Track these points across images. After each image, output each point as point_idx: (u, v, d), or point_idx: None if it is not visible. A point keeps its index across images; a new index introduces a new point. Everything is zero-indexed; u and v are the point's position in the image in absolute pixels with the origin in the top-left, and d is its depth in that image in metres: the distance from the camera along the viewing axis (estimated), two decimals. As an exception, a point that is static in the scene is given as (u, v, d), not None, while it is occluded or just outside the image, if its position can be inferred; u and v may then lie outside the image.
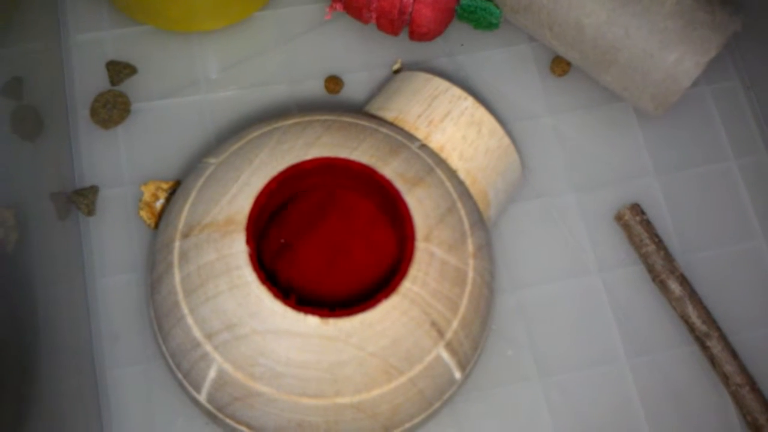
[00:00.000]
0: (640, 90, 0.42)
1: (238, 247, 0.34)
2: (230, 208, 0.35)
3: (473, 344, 0.36)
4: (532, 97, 0.45)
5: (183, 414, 0.39)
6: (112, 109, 0.44)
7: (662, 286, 0.42)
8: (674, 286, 0.41)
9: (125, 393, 0.40)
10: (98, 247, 0.42)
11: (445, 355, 0.34)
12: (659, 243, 0.42)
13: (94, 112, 0.44)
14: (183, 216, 0.36)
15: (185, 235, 0.35)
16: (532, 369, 0.41)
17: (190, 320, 0.34)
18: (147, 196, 0.42)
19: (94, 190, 0.43)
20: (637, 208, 0.43)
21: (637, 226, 0.42)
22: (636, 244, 0.42)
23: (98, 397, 0.39)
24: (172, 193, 0.42)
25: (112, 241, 0.42)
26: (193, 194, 0.36)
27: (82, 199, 0.42)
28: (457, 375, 0.36)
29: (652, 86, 0.41)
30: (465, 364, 0.36)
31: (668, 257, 0.42)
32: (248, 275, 0.33)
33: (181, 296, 0.34)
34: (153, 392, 0.40)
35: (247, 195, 0.35)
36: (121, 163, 0.43)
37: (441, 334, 0.34)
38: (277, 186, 0.35)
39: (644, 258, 0.42)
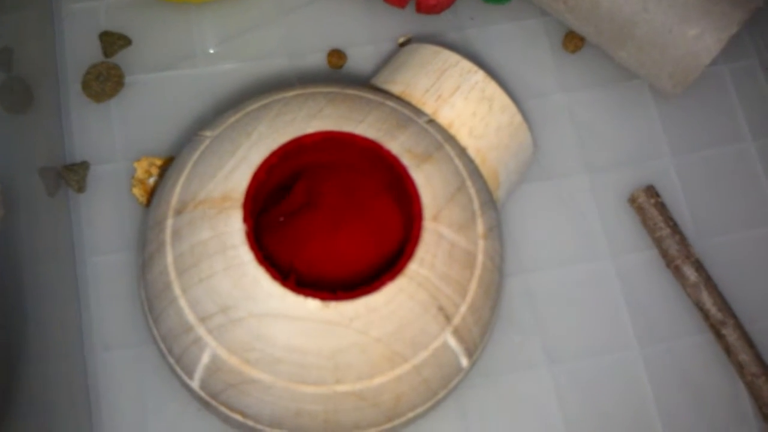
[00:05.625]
0: (657, 67, 0.41)
1: (235, 225, 0.33)
2: (227, 184, 0.33)
3: (482, 330, 0.35)
4: (544, 74, 0.45)
5: (175, 400, 0.39)
6: (105, 81, 0.43)
7: (676, 272, 0.41)
8: (689, 272, 0.41)
9: (115, 377, 0.39)
10: (88, 225, 0.41)
11: (453, 342, 0.34)
12: (674, 227, 0.41)
13: (86, 85, 0.43)
14: (176, 192, 0.34)
15: (178, 212, 0.34)
16: (540, 356, 0.40)
17: (182, 302, 0.33)
18: (140, 173, 0.41)
19: (85, 165, 0.42)
20: (651, 191, 0.42)
21: (651, 209, 0.41)
22: (650, 228, 0.42)
23: (86, 381, 0.39)
24: (165, 169, 0.41)
25: (102, 219, 0.41)
26: (187, 169, 0.35)
27: (72, 175, 0.41)
28: (464, 363, 0.35)
29: (670, 63, 0.40)
30: (473, 351, 0.35)
31: (683, 242, 0.41)
32: (245, 255, 0.32)
33: (173, 276, 0.33)
34: (144, 377, 0.39)
35: (245, 170, 0.33)
36: (114, 138, 0.43)
37: (448, 319, 0.33)
38: (277, 161, 0.34)
39: (658, 242, 0.41)
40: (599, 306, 0.41)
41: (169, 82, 0.43)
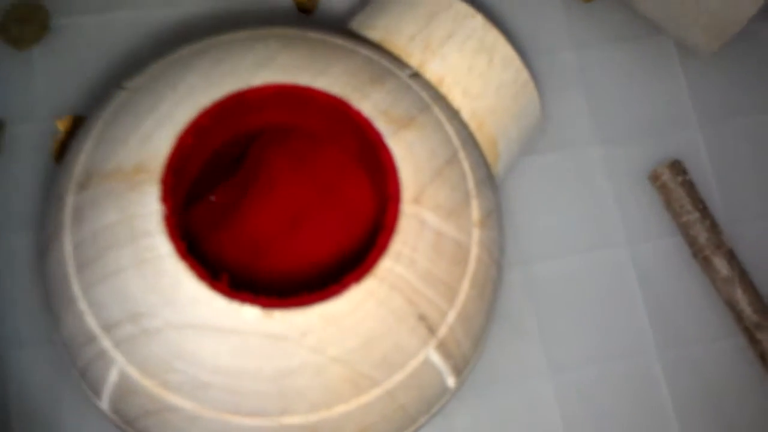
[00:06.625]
0: (689, 19, 0.38)
1: (149, 206, 0.29)
2: (142, 151, 0.30)
3: (473, 342, 0.32)
4: (553, 27, 0.43)
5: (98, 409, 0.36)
6: (26, 24, 0.40)
7: (705, 264, 0.39)
8: (720, 264, 0.39)
9: (29, 380, 0.37)
10: (3, 195, 0.39)
11: (436, 359, 0.30)
12: (704, 210, 0.39)
13: (4, 29, 0.40)
14: (80, 160, 0.31)
15: (81, 187, 0.30)
16: (542, 362, 0.39)
17: (82, 304, 0.29)
18: (64, 134, 0.39)
19: (0, 124, 0.39)
20: (677, 167, 0.40)
21: (677, 188, 0.40)
22: (675, 211, 0.40)
23: None
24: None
25: (20, 189, 0.39)
26: (94, 131, 0.32)
27: None
28: (451, 382, 0.31)
29: (705, 14, 0.38)
30: (461, 367, 0.32)
31: (714, 228, 0.39)
32: (161, 246, 0.28)
33: (71, 270, 0.30)
34: (65, 381, 0.37)
35: (167, 133, 0.30)
36: (36, 92, 0.40)
37: (432, 330, 0.30)
38: (209, 122, 0.30)
39: (684, 228, 0.39)
40: (612, 303, 0.40)
41: (102, 26, 0.41)
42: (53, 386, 0.37)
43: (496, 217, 0.33)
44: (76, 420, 0.36)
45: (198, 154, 0.32)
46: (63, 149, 0.39)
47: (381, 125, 0.31)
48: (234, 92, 0.31)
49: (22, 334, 0.37)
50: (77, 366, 0.31)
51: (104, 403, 0.30)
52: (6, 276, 0.38)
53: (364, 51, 0.33)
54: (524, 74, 0.35)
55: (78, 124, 0.39)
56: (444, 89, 0.34)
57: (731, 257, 0.39)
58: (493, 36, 0.35)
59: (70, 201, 0.30)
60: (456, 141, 0.33)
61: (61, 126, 0.39)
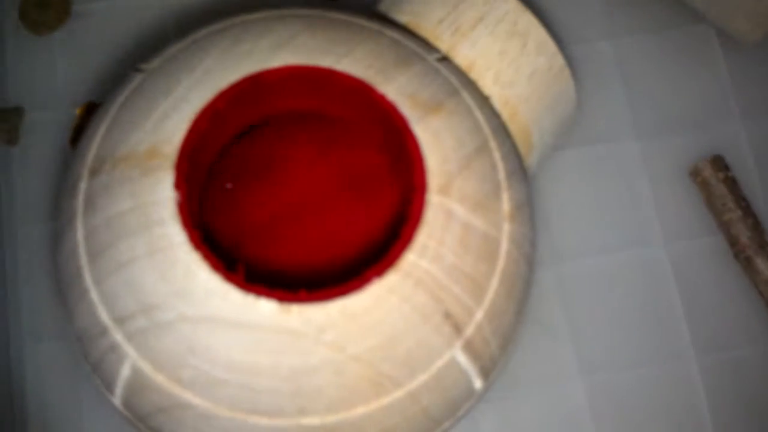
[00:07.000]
0: (732, 5, 0.38)
1: (163, 192, 0.28)
2: (156, 135, 0.29)
3: (502, 342, 0.31)
4: (589, 14, 0.42)
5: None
6: (47, 9, 0.41)
7: (747, 264, 0.38)
8: (763, 265, 0.38)
9: (47, 375, 0.37)
10: (21, 186, 0.39)
11: (463, 360, 0.30)
12: (747, 208, 0.39)
13: (24, 14, 0.41)
14: (94, 145, 0.30)
15: (94, 172, 0.30)
16: (573, 365, 0.38)
17: (94, 295, 0.29)
18: (78, 119, 0.38)
19: (18, 112, 0.39)
20: (719, 162, 0.39)
21: (719, 185, 0.39)
22: (716, 209, 0.39)
23: (10, 378, 0.37)
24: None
25: (39, 179, 0.39)
26: (110, 115, 0.31)
27: (2, 123, 0.39)
28: (478, 384, 0.31)
29: (749, 0, 0.37)
30: (489, 369, 0.31)
31: (757, 227, 0.38)
32: (175, 234, 0.28)
33: (84, 260, 0.29)
34: (82, 375, 0.37)
35: (182, 116, 0.29)
36: (56, 79, 0.40)
37: (458, 329, 0.30)
38: (225, 105, 0.30)
39: (725, 227, 0.39)
40: (648, 304, 0.39)
41: (127, 10, 0.41)
42: (70, 381, 0.37)
43: (527, 211, 0.33)
44: (93, 414, 0.37)
45: (215, 140, 0.31)
46: (78, 135, 0.39)
47: (406, 110, 0.31)
48: (251, 74, 0.30)
49: (39, 327, 0.37)
50: (90, 360, 0.30)
51: (117, 399, 0.30)
52: (24, 267, 0.38)
53: (390, 33, 0.33)
54: (559, 60, 0.35)
55: (93, 110, 0.39)
56: (474, 75, 0.34)
57: (775, 258, 0.39)
58: (527, 19, 0.34)
59: (82, 187, 0.30)
60: (486, 129, 0.32)
61: (80, 113, 0.39)
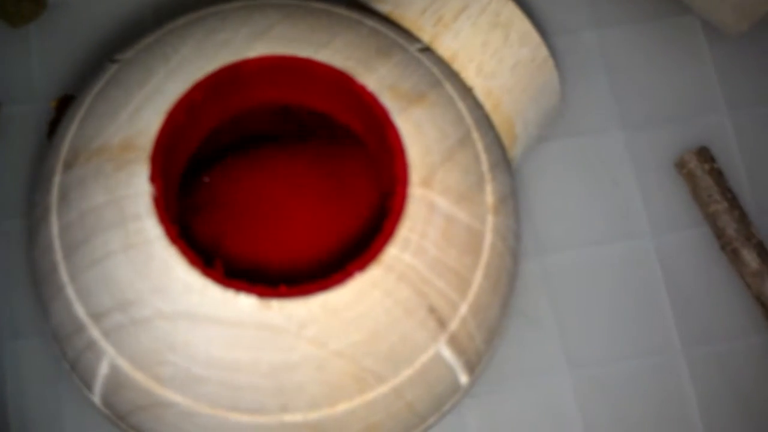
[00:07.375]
0: None
1: (138, 186, 0.28)
2: (130, 127, 0.29)
3: (487, 335, 0.31)
4: (572, 5, 0.42)
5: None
6: (22, 1, 0.40)
7: (734, 257, 0.39)
8: (750, 257, 0.38)
9: (26, 372, 0.37)
10: None
11: (448, 354, 0.30)
12: (733, 200, 0.39)
13: None
14: (68, 137, 0.30)
15: (68, 166, 0.30)
16: (560, 358, 0.38)
17: (70, 291, 0.29)
18: (54, 112, 0.38)
19: None
20: (705, 154, 0.39)
21: (704, 176, 0.39)
22: (702, 201, 0.39)
23: None
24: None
25: (15, 174, 0.39)
26: (84, 107, 0.31)
27: None
28: (463, 379, 0.31)
29: None
30: (475, 363, 0.31)
31: (744, 219, 0.39)
32: (151, 229, 0.28)
33: (59, 256, 0.29)
34: (62, 373, 0.36)
35: (157, 107, 0.29)
36: (33, 71, 0.40)
37: (442, 324, 0.29)
38: (202, 96, 0.29)
39: (712, 219, 0.39)
40: (634, 297, 0.39)
41: (104, 2, 0.41)
42: (51, 379, 0.37)
43: (511, 203, 0.33)
44: (74, 413, 0.36)
45: (193, 132, 0.31)
46: (54, 128, 0.38)
47: (387, 101, 0.30)
48: (228, 64, 0.30)
49: (17, 324, 0.37)
50: (68, 358, 0.30)
51: (96, 397, 0.30)
52: (1, 263, 0.37)
53: (371, 23, 0.33)
54: (543, 51, 0.35)
55: (69, 102, 0.38)
56: (457, 66, 0.34)
57: (761, 250, 0.38)
58: (510, 10, 0.34)
59: (56, 181, 0.30)
60: (469, 120, 0.32)
61: (53, 105, 0.38)
